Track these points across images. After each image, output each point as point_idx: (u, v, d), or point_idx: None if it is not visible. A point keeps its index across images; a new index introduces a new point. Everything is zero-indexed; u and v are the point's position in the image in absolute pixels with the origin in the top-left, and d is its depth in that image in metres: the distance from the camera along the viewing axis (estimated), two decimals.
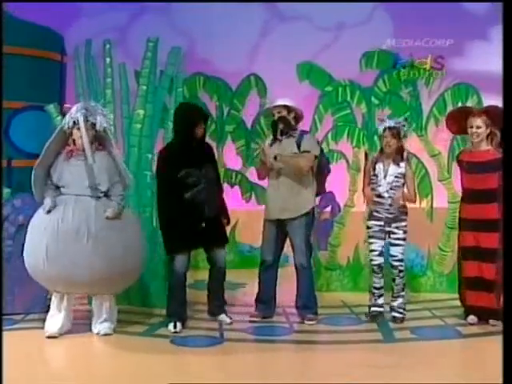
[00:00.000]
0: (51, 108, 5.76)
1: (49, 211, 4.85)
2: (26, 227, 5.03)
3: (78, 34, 6.84)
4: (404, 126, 5.39)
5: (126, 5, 9.33)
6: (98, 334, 5.02)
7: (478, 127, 5.22)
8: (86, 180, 4.94)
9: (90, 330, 5.08)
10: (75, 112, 4.95)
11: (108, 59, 6.05)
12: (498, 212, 5.09)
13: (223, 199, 5.48)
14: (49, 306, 5.06)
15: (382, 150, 5.43)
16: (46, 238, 4.80)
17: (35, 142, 5.66)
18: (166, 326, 5.19)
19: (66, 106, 5.44)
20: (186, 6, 9.21)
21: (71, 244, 4.78)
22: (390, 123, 5.35)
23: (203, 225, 5.14)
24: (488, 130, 5.22)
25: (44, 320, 5.05)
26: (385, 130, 5.33)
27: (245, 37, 9.24)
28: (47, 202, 4.90)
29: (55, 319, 4.97)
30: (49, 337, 4.90)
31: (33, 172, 4.93)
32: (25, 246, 4.95)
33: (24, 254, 4.94)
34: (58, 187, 4.97)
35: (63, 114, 5.91)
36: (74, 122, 4.92)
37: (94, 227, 4.83)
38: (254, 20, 9.48)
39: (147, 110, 6.05)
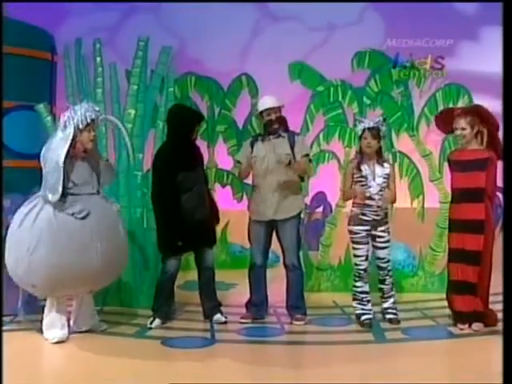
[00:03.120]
0: (41, 107, 5.73)
1: (84, 217, 4.80)
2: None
3: (68, 34, 6.80)
4: (383, 125, 5.28)
5: (116, 4, 9.32)
6: (99, 331, 5.12)
7: (463, 129, 5.14)
8: (89, 179, 4.98)
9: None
10: (91, 113, 4.90)
11: (98, 58, 6.03)
12: (484, 213, 5.08)
13: (213, 199, 5.50)
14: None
15: (361, 151, 5.31)
16: (95, 236, 4.80)
17: (25, 141, 5.65)
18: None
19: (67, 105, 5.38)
20: (177, 6, 9.19)
21: (112, 240, 4.93)
22: (369, 124, 5.28)
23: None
24: (475, 130, 5.14)
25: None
26: (364, 130, 5.25)
27: (236, 37, 9.24)
28: (79, 207, 4.80)
29: (61, 324, 4.93)
30: (58, 342, 4.86)
31: (60, 173, 4.79)
32: (48, 253, 4.72)
33: (54, 261, 4.72)
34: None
35: (53, 114, 5.91)
36: (88, 123, 4.87)
37: (120, 224, 5.07)
38: (246, 20, 9.49)
39: (138, 109, 6.03)
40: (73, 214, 4.79)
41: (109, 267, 4.93)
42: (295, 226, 5.44)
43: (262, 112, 5.42)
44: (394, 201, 5.41)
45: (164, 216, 5.19)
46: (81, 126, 4.85)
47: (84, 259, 4.76)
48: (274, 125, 5.37)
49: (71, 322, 5.10)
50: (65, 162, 4.77)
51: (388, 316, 5.37)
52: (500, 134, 4.94)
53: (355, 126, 5.51)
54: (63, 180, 4.76)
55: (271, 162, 5.34)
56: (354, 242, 5.34)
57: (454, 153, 5.40)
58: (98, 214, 4.89)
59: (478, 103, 5.61)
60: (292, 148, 5.36)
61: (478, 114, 5.17)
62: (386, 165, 5.30)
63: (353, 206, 5.34)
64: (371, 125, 5.25)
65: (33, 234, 4.76)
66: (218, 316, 5.37)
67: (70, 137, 4.84)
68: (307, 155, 5.47)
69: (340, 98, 6.67)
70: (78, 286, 4.93)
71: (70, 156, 4.85)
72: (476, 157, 5.12)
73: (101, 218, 4.90)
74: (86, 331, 5.09)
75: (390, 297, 5.41)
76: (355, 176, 5.28)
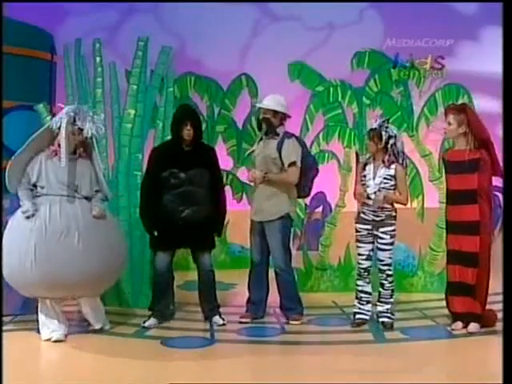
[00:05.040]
0: (41, 107, 5.72)
1: (28, 217, 4.76)
2: None
3: (67, 34, 6.80)
4: (382, 127, 5.19)
5: (116, 4, 9.30)
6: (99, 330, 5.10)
7: (449, 124, 5.13)
8: (69, 182, 4.91)
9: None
10: (64, 113, 4.94)
11: (98, 58, 6.03)
12: (477, 214, 5.05)
13: (220, 208, 5.38)
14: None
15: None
16: (33, 239, 4.70)
17: (25, 141, 5.63)
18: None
19: (58, 105, 5.40)
20: (177, 6, 9.19)
21: (61, 245, 4.73)
22: (371, 125, 5.28)
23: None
24: (461, 129, 5.10)
25: (33, 321, 5.03)
26: (368, 131, 5.27)
27: (236, 36, 9.23)
28: (27, 206, 4.80)
29: (56, 323, 4.92)
30: (56, 341, 4.84)
31: (9, 165, 4.90)
32: (4, 250, 4.82)
33: (4, 259, 4.81)
34: (34, 186, 4.91)
35: (53, 114, 5.90)
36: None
37: (82, 227, 4.81)
38: (245, 20, 9.48)
39: (138, 109, 6.02)
40: (22, 213, 4.81)
41: (52, 275, 4.70)
42: (279, 229, 5.37)
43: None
44: (401, 202, 5.29)
45: (147, 212, 5.31)
46: (55, 126, 4.91)
47: (21, 261, 4.70)
48: (262, 124, 5.43)
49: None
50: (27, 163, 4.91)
51: (381, 319, 5.29)
52: (500, 134, 4.93)
53: None
54: (21, 174, 4.89)
55: (262, 163, 5.39)
56: (356, 241, 5.36)
57: (447, 153, 5.39)
58: (49, 219, 4.76)
59: (466, 103, 5.59)
60: (279, 151, 5.33)
61: (466, 114, 5.12)
62: (392, 166, 5.21)
63: (359, 204, 5.37)
64: (373, 126, 5.25)
65: (23, 237, 4.82)
66: (216, 318, 5.36)
67: (35, 135, 4.95)
68: (294, 163, 5.34)
69: (340, 98, 6.67)
70: (26, 288, 4.84)
71: (47, 155, 4.94)
72: (466, 158, 5.08)
73: (51, 223, 4.75)
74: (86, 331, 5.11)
75: (386, 303, 5.30)
76: (361, 175, 5.30)
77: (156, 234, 5.28)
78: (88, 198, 4.98)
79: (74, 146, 4.97)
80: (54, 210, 4.80)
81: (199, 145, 5.38)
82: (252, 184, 5.58)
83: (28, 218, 4.77)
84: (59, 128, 4.90)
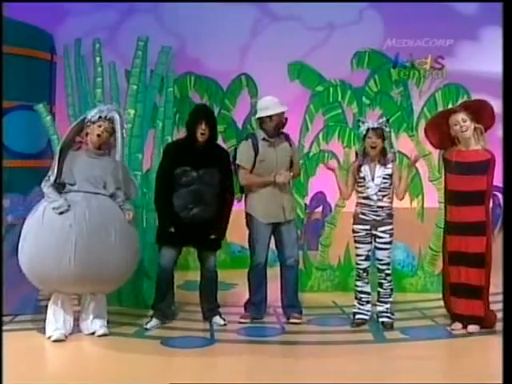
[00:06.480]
0: (41, 107, 5.73)
1: (62, 212, 4.76)
2: (18, 227, 4.97)
3: (67, 34, 6.80)
4: (386, 126, 5.26)
5: (116, 4, 9.32)
6: (92, 334, 5.01)
7: (464, 120, 5.04)
8: (98, 178, 4.95)
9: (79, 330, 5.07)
10: (108, 110, 4.97)
11: (98, 58, 6.03)
12: (484, 214, 5.04)
13: (224, 211, 5.32)
14: (39, 307, 5.01)
15: (364, 152, 5.30)
16: (74, 234, 4.70)
17: (24, 141, 5.65)
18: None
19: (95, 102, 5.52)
20: (177, 6, 9.20)
21: (100, 240, 4.78)
22: (372, 124, 5.27)
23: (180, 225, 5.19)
24: (472, 126, 5.06)
25: (33, 321, 5.02)
26: (368, 131, 5.23)
27: (235, 36, 9.25)
28: (60, 202, 4.78)
29: (61, 322, 4.92)
30: (56, 340, 4.84)
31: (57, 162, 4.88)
32: (31, 246, 4.79)
33: (34, 255, 4.77)
34: (60, 184, 4.90)
35: (53, 114, 5.91)
36: (100, 117, 4.93)
37: (117, 224, 4.91)
38: (245, 19, 9.50)
39: (137, 109, 6.02)
40: (53, 209, 4.79)
41: (91, 270, 4.75)
42: (295, 225, 5.63)
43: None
44: (398, 197, 5.32)
45: (159, 208, 5.31)
46: (90, 119, 4.94)
47: (58, 256, 4.69)
48: (281, 127, 5.42)
49: (80, 323, 5.09)
50: (62, 151, 4.88)
51: (381, 319, 5.31)
52: (500, 134, 4.92)
53: (358, 127, 5.48)
54: (59, 170, 4.85)
55: (281, 166, 5.41)
56: (355, 241, 5.35)
57: (452, 153, 5.19)
58: (88, 214, 4.79)
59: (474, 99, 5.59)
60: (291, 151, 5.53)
61: (475, 109, 5.09)
62: (389, 165, 5.24)
63: (356, 205, 5.35)
64: (375, 125, 5.25)
65: (25, 228, 4.87)
66: (217, 318, 5.36)
67: (72, 125, 4.96)
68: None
69: (339, 98, 6.66)
70: (60, 284, 4.82)
71: (76, 148, 4.97)
72: (477, 159, 5.05)
73: (91, 218, 4.78)
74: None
75: (385, 302, 5.31)
76: (356, 177, 5.29)
77: (173, 230, 5.19)
78: (112, 196, 5.03)
79: (102, 143, 5.00)
80: (91, 206, 4.84)
81: (214, 145, 5.38)
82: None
83: (62, 213, 4.76)
84: (94, 122, 4.93)
